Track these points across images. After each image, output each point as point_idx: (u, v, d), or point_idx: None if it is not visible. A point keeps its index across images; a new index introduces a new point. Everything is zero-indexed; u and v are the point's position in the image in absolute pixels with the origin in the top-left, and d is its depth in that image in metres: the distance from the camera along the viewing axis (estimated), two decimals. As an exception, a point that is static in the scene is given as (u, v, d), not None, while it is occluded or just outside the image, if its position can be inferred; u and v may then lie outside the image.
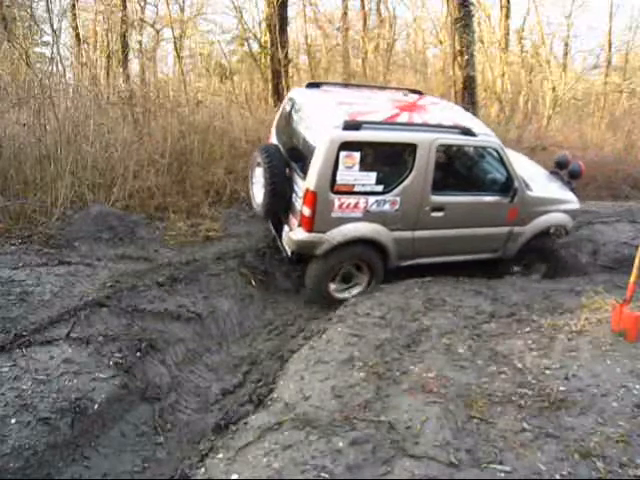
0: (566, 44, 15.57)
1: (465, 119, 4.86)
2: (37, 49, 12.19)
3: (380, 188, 4.18)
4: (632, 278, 3.56)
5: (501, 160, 4.65)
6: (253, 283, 4.54)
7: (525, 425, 2.64)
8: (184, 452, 2.83)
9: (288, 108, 4.90)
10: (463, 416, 2.71)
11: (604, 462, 2.39)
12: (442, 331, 3.65)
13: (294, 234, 4.21)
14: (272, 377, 3.28)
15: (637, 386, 2.94)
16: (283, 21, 9.72)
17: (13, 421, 2.54)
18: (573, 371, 3.10)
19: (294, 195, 4.27)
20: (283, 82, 9.49)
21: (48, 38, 11.91)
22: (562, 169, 5.51)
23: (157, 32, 13.93)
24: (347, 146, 3.94)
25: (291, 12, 11.18)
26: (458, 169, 5.04)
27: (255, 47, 11.42)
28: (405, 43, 15.59)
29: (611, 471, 2.35)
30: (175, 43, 11.50)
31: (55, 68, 6.88)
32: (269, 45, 9.67)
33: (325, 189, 4.00)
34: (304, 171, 4.09)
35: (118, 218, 5.05)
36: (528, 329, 3.69)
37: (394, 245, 4.42)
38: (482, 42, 13.54)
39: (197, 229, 5.37)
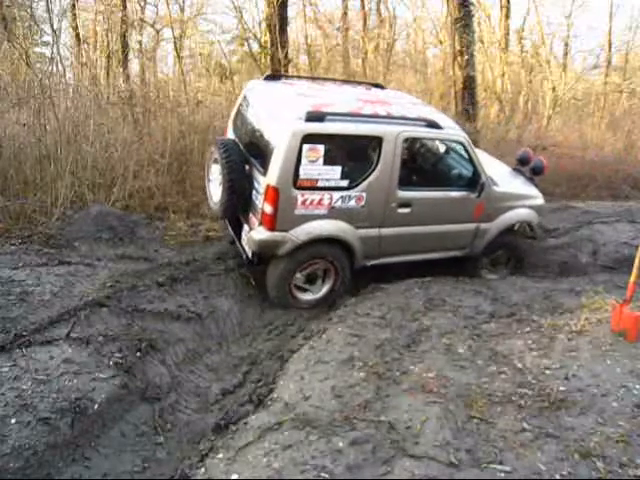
0: (566, 44, 15.59)
1: (430, 112, 4.74)
2: (37, 49, 12.20)
3: (345, 183, 4.00)
4: (632, 278, 3.57)
5: (467, 154, 4.55)
6: (253, 283, 4.53)
7: (525, 425, 2.64)
8: (184, 452, 2.82)
9: (246, 101, 4.61)
10: (463, 416, 2.71)
11: (604, 462, 2.39)
12: (442, 331, 3.65)
13: (255, 233, 3.98)
14: (272, 377, 3.28)
15: (637, 386, 2.94)
16: (283, 21, 9.71)
17: (13, 421, 2.54)
18: (573, 371, 3.10)
19: (254, 192, 4.04)
20: (283, 82, 9.46)
21: (48, 38, 11.92)
22: (524, 166, 5.45)
23: (157, 32, 13.94)
24: (310, 139, 3.74)
25: (291, 12, 11.19)
26: (424, 163, 4.93)
27: (255, 47, 11.43)
28: (405, 43, 15.61)
29: (611, 471, 2.35)
30: (175, 43, 11.50)
31: (55, 68, 6.89)
32: (269, 45, 9.66)
33: (287, 185, 3.79)
34: (264, 166, 3.87)
35: (118, 218, 5.05)
36: (528, 329, 3.70)
37: (360, 244, 4.24)
38: (482, 42, 13.54)
39: (197, 229, 5.37)
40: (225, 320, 4.09)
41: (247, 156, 4.15)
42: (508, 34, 14.56)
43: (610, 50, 15.92)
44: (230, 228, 4.65)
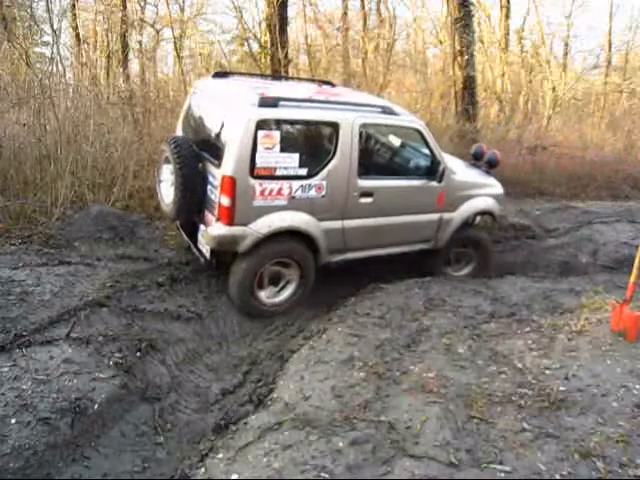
0: (566, 44, 15.62)
1: (383, 101, 4.76)
2: (37, 49, 12.21)
3: (304, 172, 3.87)
4: (632, 278, 3.57)
5: (425, 141, 4.49)
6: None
7: (525, 425, 2.64)
8: (184, 452, 2.82)
9: (195, 99, 4.49)
10: (463, 416, 2.71)
11: (604, 462, 2.39)
12: (442, 331, 3.65)
13: (213, 229, 3.80)
14: (272, 377, 3.28)
15: (637, 386, 2.94)
16: (283, 21, 9.71)
17: (13, 421, 2.54)
18: (573, 371, 3.10)
19: (209, 188, 3.88)
20: (283, 82, 9.47)
21: (48, 38, 11.92)
22: (479, 160, 5.43)
23: (157, 32, 13.94)
24: (265, 124, 3.64)
25: (291, 12, 11.19)
26: (383, 151, 4.83)
27: (255, 47, 11.42)
28: (405, 43, 15.60)
29: (611, 471, 2.35)
30: (175, 43, 11.49)
31: (55, 68, 6.89)
32: (269, 45, 9.66)
33: (244, 174, 3.64)
34: (219, 158, 3.73)
35: (118, 218, 5.05)
36: (528, 329, 3.70)
37: (324, 237, 4.09)
38: (482, 42, 13.55)
39: (197, 229, 5.36)
40: (225, 320, 4.09)
41: (200, 152, 3.99)
42: (508, 34, 14.57)
43: (610, 50, 15.95)
44: (184, 233, 4.44)
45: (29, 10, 10.87)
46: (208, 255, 3.95)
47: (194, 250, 4.23)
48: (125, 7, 12.00)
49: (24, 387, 2.74)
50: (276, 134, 3.69)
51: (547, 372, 3.12)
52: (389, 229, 4.44)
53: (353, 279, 4.49)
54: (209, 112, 4.18)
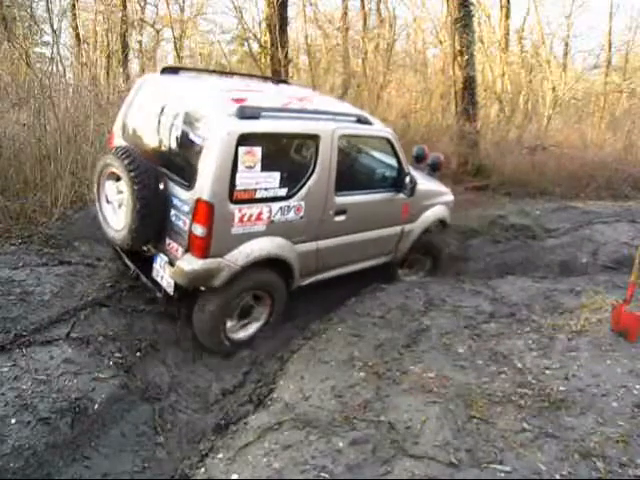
0: (566, 44, 15.63)
1: (352, 108, 4.41)
2: (37, 49, 12.21)
3: (284, 192, 3.43)
4: (632, 278, 3.57)
5: (394, 151, 4.24)
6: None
7: (525, 425, 2.64)
8: (184, 452, 2.82)
9: (142, 99, 3.77)
10: (463, 416, 2.71)
11: (604, 462, 2.39)
12: (442, 331, 3.65)
13: (184, 264, 3.20)
14: (272, 377, 3.28)
15: (637, 386, 2.94)
16: (283, 21, 9.72)
17: (13, 421, 2.54)
18: (573, 371, 3.10)
19: (173, 213, 3.29)
20: (283, 82, 9.48)
21: (48, 38, 11.93)
22: (420, 162, 5.18)
23: (157, 32, 13.96)
24: (246, 140, 3.14)
25: (291, 12, 11.20)
26: (356, 164, 4.49)
27: (255, 47, 11.43)
28: (405, 43, 15.60)
29: (611, 471, 2.35)
30: (175, 43, 11.51)
31: (55, 68, 6.88)
32: (269, 45, 9.67)
33: (223, 198, 3.12)
34: (188, 178, 3.19)
35: (118, 218, 5.04)
36: (528, 329, 3.70)
37: (299, 262, 3.68)
38: (482, 42, 13.55)
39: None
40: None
41: (158, 168, 3.35)
42: (508, 34, 14.57)
43: (610, 50, 15.95)
44: (127, 258, 3.80)
45: (29, 10, 10.88)
46: (171, 290, 3.37)
47: (145, 281, 3.61)
48: (125, 7, 12.02)
49: (24, 387, 2.74)
50: (257, 151, 3.21)
51: (547, 372, 3.12)
52: (358, 246, 4.17)
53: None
54: (167, 119, 3.46)
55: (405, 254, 4.75)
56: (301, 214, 3.56)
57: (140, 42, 14.10)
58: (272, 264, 3.55)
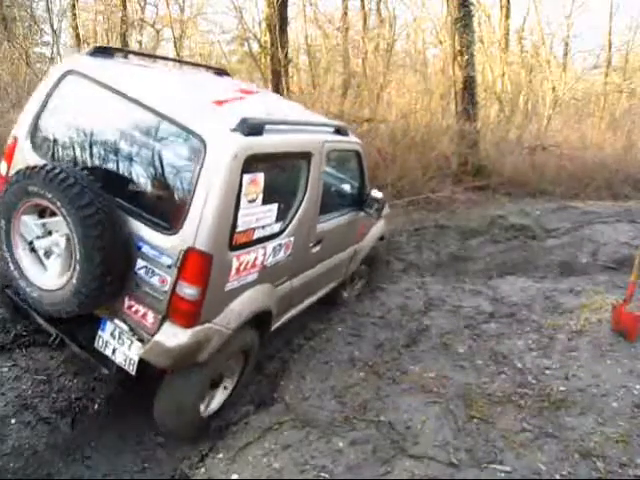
0: (566, 44, 15.64)
1: (329, 119, 4.02)
2: (37, 49, 12.22)
3: (278, 227, 2.76)
4: (632, 278, 3.57)
5: (360, 165, 3.82)
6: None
7: (525, 425, 2.64)
8: (184, 452, 2.82)
9: (72, 95, 2.59)
10: (463, 416, 2.71)
11: (604, 462, 2.39)
12: (442, 331, 3.65)
13: (166, 337, 2.32)
14: (272, 377, 3.28)
15: (637, 386, 2.94)
16: (283, 21, 9.71)
17: (13, 421, 2.54)
18: (573, 371, 3.11)
19: (141, 264, 2.34)
20: (283, 82, 9.49)
21: (48, 38, 11.95)
22: None
23: (157, 32, 13.96)
24: (251, 164, 2.36)
25: (291, 12, 11.19)
26: (332, 184, 3.77)
27: (255, 47, 11.43)
28: (405, 43, 15.62)
29: (611, 471, 2.35)
30: (175, 43, 11.52)
31: (55, 68, 6.87)
32: (269, 45, 9.66)
33: (223, 245, 2.34)
34: (168, 218, 2.32)
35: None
36: (528, 329, 3.70)
37: (277, 306, 3.00)
38: (482, 42, 13.56)
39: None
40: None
41: (110, 199, 2.32)
42: (508, 34, 14.58)
43: (610, 50, 15.96)
44: (38, 317, 2.66)
45: (29, 10, 10.89)
46: (132, 369, 2.45)
47: (78, 352, 2.64)
48: (125, 7, 12.01)
49: (24, 387, 2.74)
50: (260, 178, 2.47)
51: (547, 372, 3.12)
52: (322, 275, 3.58)
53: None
54: (120, 127, 2.48)
55: (351, 275, 4.25)
56: (289, 252, 2.91)
57: (140, 42, 14.11)
58: (257, 318, 2.82)
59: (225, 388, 2.90)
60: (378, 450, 2.46)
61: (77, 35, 11.57)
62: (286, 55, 9.58)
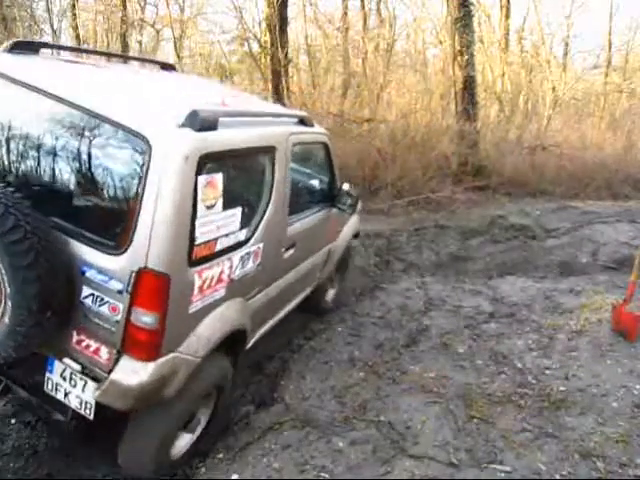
0: (566, 44, 15.64)
1: (290, 108, 3.77)
2: (37, 49, 12.20)
3: (244, 234, 2.42)
4: (632, 278, 3.57)
5: (329, 158, 3.57)
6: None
7: (525, 425, 2.64)
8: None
9: None
10: (463, 416, 2.71)
11: (604, 462, 2.39)
12: (442, 331, 3.65)
13: (126, 375, 1.97)
14: (272, 377, 3.28)
15: (637, 386, 2.94)
16: (283, 21, 9.72)
17: (13, 421, 2.54)
18: (573, 371, 3.11)
19: (87, 292, 2.00)
20: (283, 82, 9.50)
21: (48, 38, 11.95)
22: None
23: (157, 32, 13.97)
24: (206, 164, 2.03)
25: (291, 12, 11.20)
26: (299, 180, 3.42)
27: (255, 47, 11.43)
28: (405, 43, 15.63)
29: (611, 471, 2.35)
30: (175, 43, 11.52)
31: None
32: (269, 45, 9.67)
33: (181, 262, 2.00)
34: (111, 235, 1.98)
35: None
36: (528, 329, 3.70)
37: (250, 323, 2.66)
38: (482, 42, 13.56)
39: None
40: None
41: (40, 217, 1.94)
42: (508, 34, 14.58)
43: (610, 50, 15.97)
44: None
45: (29, 10, 10.89)
46: (89, 413, 2.12)
47: (24, 397, 2.32)
48: (125, 7, 12.03)
49: (24, 387, 2.73)
50: (219, 179, 2.14)
51: (547, 372, 3.12)
52: (298, 281, 3.29)
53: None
54: (46, 128, 2.12)
55: (326, 278, 3.96)
56: (259, 260, 2.58)
57: (140, 42, 14.12)
58: (230, 339, 2.46)
59: (197, 424, 2.54)
60: (378, 450, 2.46)
61: (77, 35, 11.60)
62: (286, 55, 9.59)
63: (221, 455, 2.54)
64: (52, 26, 7.23)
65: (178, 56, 11.15)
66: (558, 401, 2.82)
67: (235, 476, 2.36)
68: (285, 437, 2.57)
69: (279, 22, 9.42)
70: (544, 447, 2.49)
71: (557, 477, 2.32)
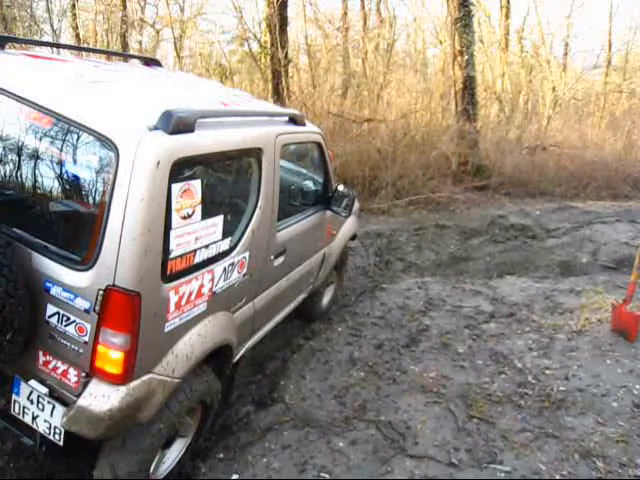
0: (566, 44, 15.64)
1: (281, 107, 3.55)
2: (37, 49, 12.22)
3: (227, 244, 2.27)
4: (632, 278, 3.57)
5: (322, 157, 3.39)
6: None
7: (525, 425, 2.64)
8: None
9: None
10: (463, 416, 2.71)
11: (604, 462, 2.40)
12: (442, 331, 3.65)
13: (94, 401, 1.82)
14: (272, 377, 3.28)
15: (637, 386, 2.94)
16: (283, 21, 9.72)
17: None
18: (573, 371, 3.11)
19: (52, 310, 1.86)
20: (283, 82, 9.50)
21: (48, 38, 11.95)
22: None
23: (157, 32, 13.96)
24: (181, 170, 1.89)
25: (291, 12, 11.20)
26: (290, 182, 3.24)
27: (255, 47, 11.43)
28: (405, 43, 15.62)
29: (611, 471, 2.35)
30: (175, 43, 11.52)
31: (55, 68, 6.88)
32: (269, 45, 9.67)
33: (154, 278, 1.85)
34: (76, 247, 1.84)
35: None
36: (528, 329, 3.70)
37: (236, 336, 2.52)
38: (482, 42, 13.56)
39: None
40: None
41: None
42: (508, 34, 14.59)
43: (610, 50, 15.97)
44: None
45: (29, 10, 10.89)
46: (59, 438, 1.96)
47: None
48: (125, 7, 12.02)
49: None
50: (196, 186, 1.98)
51: (547, 372, 3.12)
52: (289, 288, 3.15)
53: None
54: (4, 130, 1.97)
55: (322, 282, 3.81)
56: (244, 271, 2.43)
57: (140, 42, 14.12)
58: (214, 355, 2.33)
59: (181, 441, 2.39)
60: (378, 450, 2.46)
61: (77, 35, 11.59)
62: (286, 55, 9.58)
63: (221, 455, 2.54)
64: (52, 26, 7.25)
65: (178, 56, 11.15)
66: (558, 401, 2.82)
67: (235, 476, 2.36)
68: (285, 437, 2.57)
69: (279, 22, 9.42)
70: (544, 447, 2.49)
71: (557, 477, 2.33)
